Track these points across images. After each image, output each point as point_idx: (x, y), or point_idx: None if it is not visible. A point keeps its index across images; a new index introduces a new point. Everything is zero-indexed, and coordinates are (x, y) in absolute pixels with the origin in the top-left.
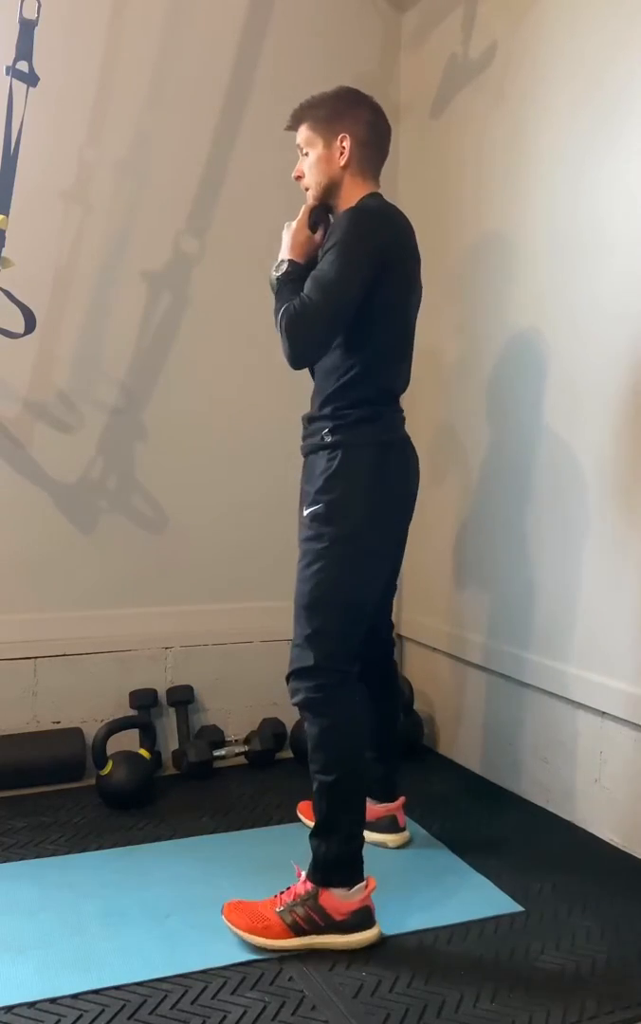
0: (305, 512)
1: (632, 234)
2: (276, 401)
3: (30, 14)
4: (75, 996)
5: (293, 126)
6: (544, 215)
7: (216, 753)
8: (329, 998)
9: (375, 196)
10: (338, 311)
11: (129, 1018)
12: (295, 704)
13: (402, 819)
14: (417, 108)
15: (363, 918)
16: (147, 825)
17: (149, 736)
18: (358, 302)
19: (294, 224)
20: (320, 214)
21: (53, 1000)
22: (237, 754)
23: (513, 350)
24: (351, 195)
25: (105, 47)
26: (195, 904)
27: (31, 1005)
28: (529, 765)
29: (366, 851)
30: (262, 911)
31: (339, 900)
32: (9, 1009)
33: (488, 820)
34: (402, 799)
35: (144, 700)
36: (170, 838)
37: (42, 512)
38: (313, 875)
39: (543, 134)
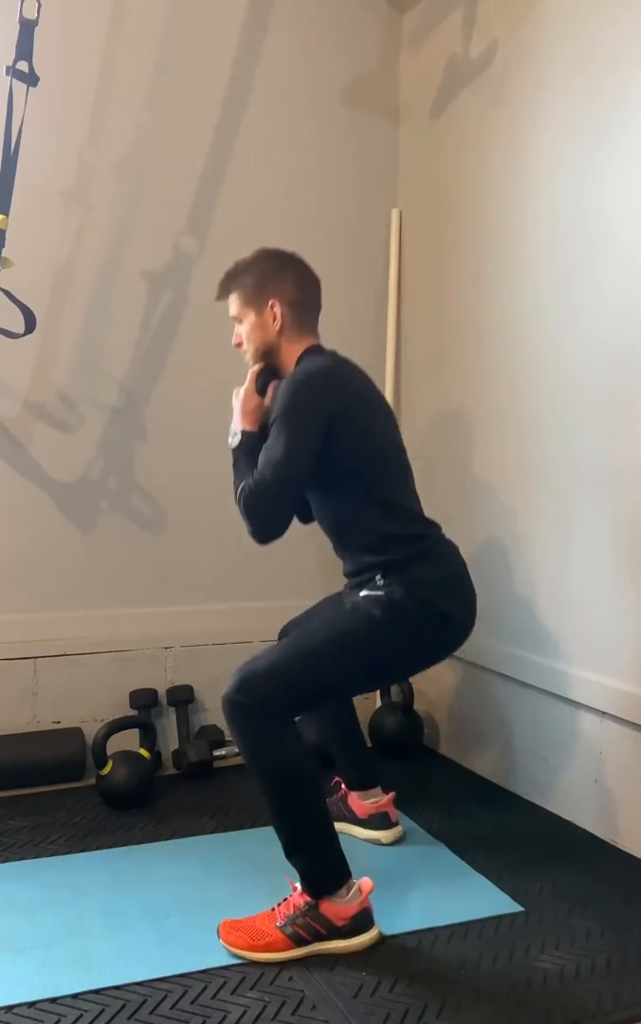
0: (360, 594)
1: (633, 234)
2: None
3: (30, 14)
4: (75, 996)
5: (222, 296)
6: (544, 215)
7: (216, 753)
8: (329, 998)
9: (312, 353)
10: (290, 487)
11: (129, 1018)
12: (224, 701)
13: (394, 814)
14: (417, 108)
15: (363, 921)
16: (147, 825)
17: (149, 736)
18: (311, 470)
19: (242, 392)
20: (266, 377)
21: (53, 1000)
22: (237, 754)
23: (513, 349)
24: (290, 354)
25: (105, 47)
26: (195, 904)
27: (31, 1005)
28: (529, 765)
29: (365, 850)
30: (261, 927)
31: (340, 906)
32: (9, 1009)
33: (488, 820)
34: (391, 795)
35: (144, 700)
36: (170, 838)
37: (42, 512)
38: (306, 890)
39: (543, 134)
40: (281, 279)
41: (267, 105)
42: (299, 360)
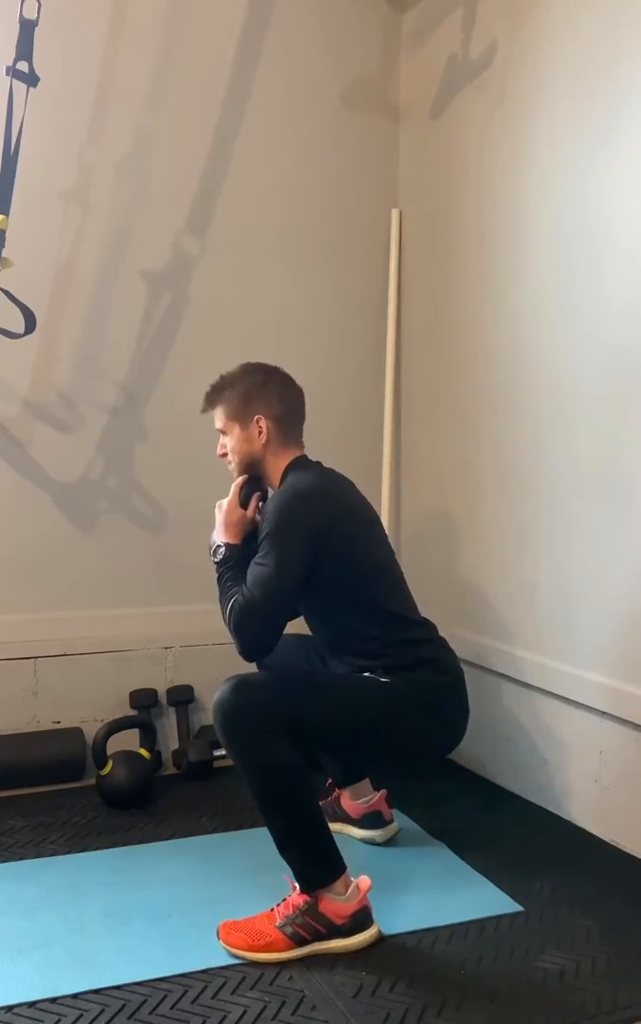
0: (364, 674)
1: (634, 234)
2: None
3: (30, 14)
4: (75, 996)
5: (207, 410)
6: (545, 215)
7: (216, 753)
8: (329, 998)
9: (298, 465)
10: (281, 605)
11: (129, 1018)
12: (217, 704)
13: (387, 812)
14: (417, 108)
15: (362, 919)
16: (147, 825)
17: (149, 736)
18: (299, 588)
19: (226, 504)
20: (250, 489)
21: (53, 1000)
22: None
23: (514, 349)
24: (276, 467)
25: (105, 47)
26: (195, 904)
27: (31, 1005)
28: (529, 765)
29: (365, 850)
30: (260, 927)
31: (339, 905)
32: (9, 1009)
33: (488, 820)
34: (382, 793)
35: (144, 700)
36: (170, 838)
37: (42, 512)
38: (300, 884)
39: (543, 134)
40: (266, 394)
41: (267, 105)
42: (285, 473)
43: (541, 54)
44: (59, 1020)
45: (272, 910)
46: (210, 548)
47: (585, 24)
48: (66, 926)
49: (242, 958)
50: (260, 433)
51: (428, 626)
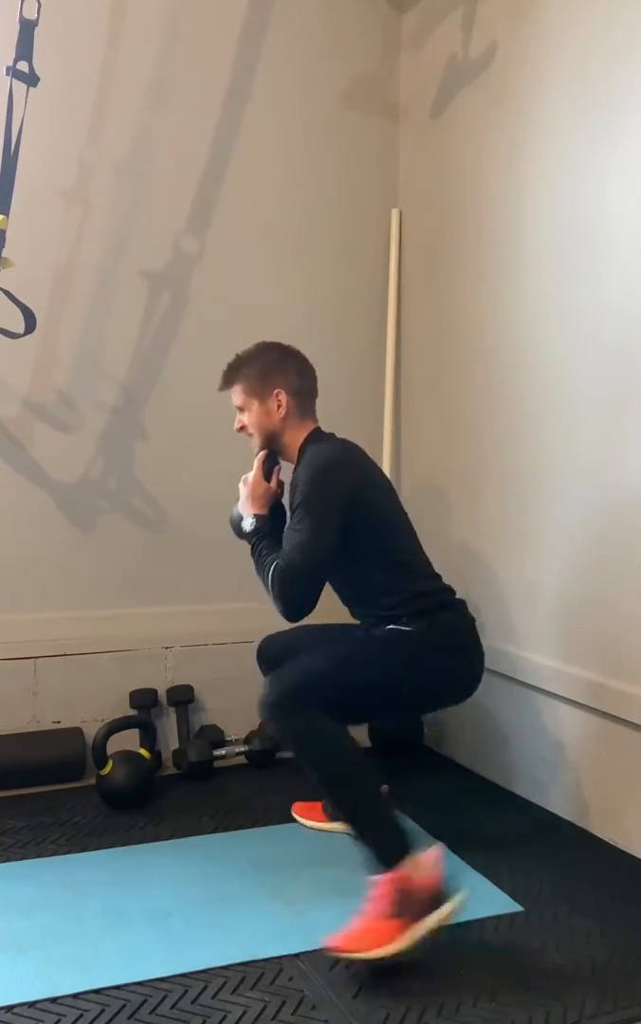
0: (387, 626)
1: (633, 233)
2: None
3: (30, 14)
4: (75, 996)
5: (226, 387)
6: (544, 214)
7: (216, 753)
8: (329, 998)
9: (317, 436)
10: (320, 566)
11: (129, 1018)
12: (264, 705)
13: None
14: (417, 108)
15: (444, 889)
16: (147, 825)
17: (149, 736)
18: (335, 550)
19: (250, 477)
20: (271, 463)
21: (53, 1000)
22: (237, 754)
23: (514, 349)
24: (294, 439)
25: (105, 47)
26: (195, 904)
27: (31, 1005)
28: (528, 765)
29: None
30: (373, 926)
31: (423, 879)
32: (9, 1009)
33: (488, 820)
34: (385, 788)
35: (144, 700)
36: (170, 838)
37: (42, 512)
38: (384, 864)
39: (543, 134)
40: (285, 369)
41: (267, 105)
42: (304, 445)
43: (541, 54)
44: (59, 1020)
45: (367, 911)
46: (236, 522)
47: (585, 24)
48: (66, 926)
49: (377, 958)
50: (279, 407)
51: (441, 579)
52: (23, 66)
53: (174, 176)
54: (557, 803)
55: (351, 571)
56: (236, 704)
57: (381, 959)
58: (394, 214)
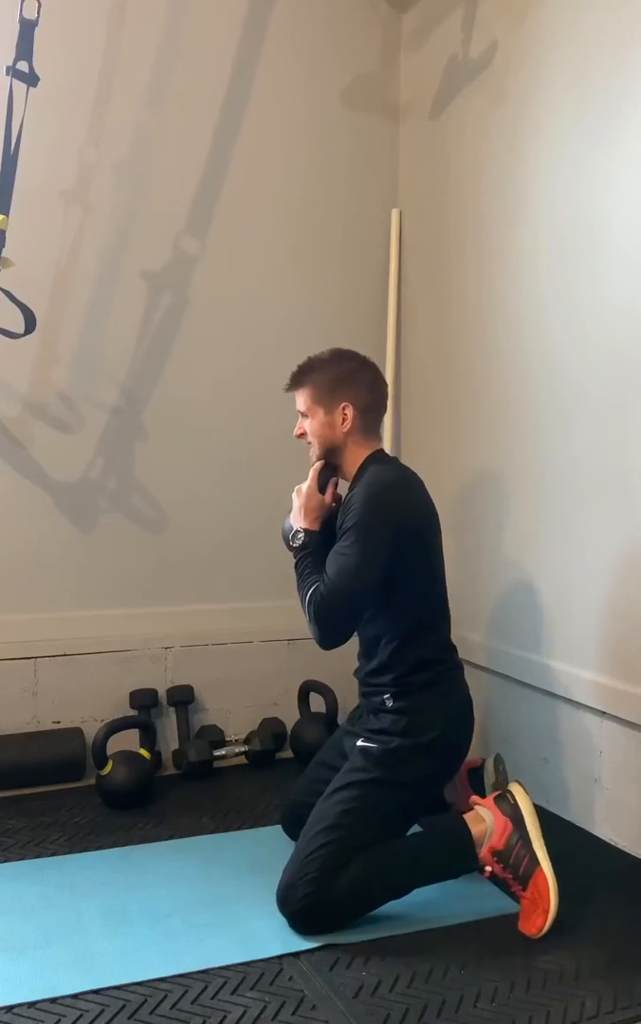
0: (357, 744)
1: (633, 233)
2: (276, 400)
3: (30, 14)
4: (75, 996)
5: (293, 388)
6: (544, 214)
7: (216, 753)
8: (329, 998)
9: (379, 458)
10: (362, 595)
11: (129, 1018)
12: (294, 914)
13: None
14: (417, 108)
15: (512, 801)
16: (147, 825)
17: (149, 736)
18: (380, 581)
19: (306, 488)
20: (328, 474)
21: (53, 1000)
22: (237, 754)
23: (514, 349)
24: (355, 456)
25: (105, 47)
26: (195, 904)
27: (31, 1005)
28: (529, 765)
29: None
30: (535, 897)
31: (494, 834)
32: (9, 1009)
33: None
34: None
35: (144, 700)
36: (170, 838)
37: (42, 512)
38: (471, 866)
39: (543, 134)
40: (357, 382)
41: (267, 105)
42: (365, 465)
43: (541, 54)
44: (59, 1020)
45: (517, 894)
46: (286, 533)
47: (585, 24)
48: (66, 926)
49: (556, 907)
50: (344, 421)
51: (453, 648)
52: (23, 66)
53: (174, 176)
54: (557, 803)
55: (380, 614)
56: (236, 704)
57: (559, 902)
58: (394, 214)
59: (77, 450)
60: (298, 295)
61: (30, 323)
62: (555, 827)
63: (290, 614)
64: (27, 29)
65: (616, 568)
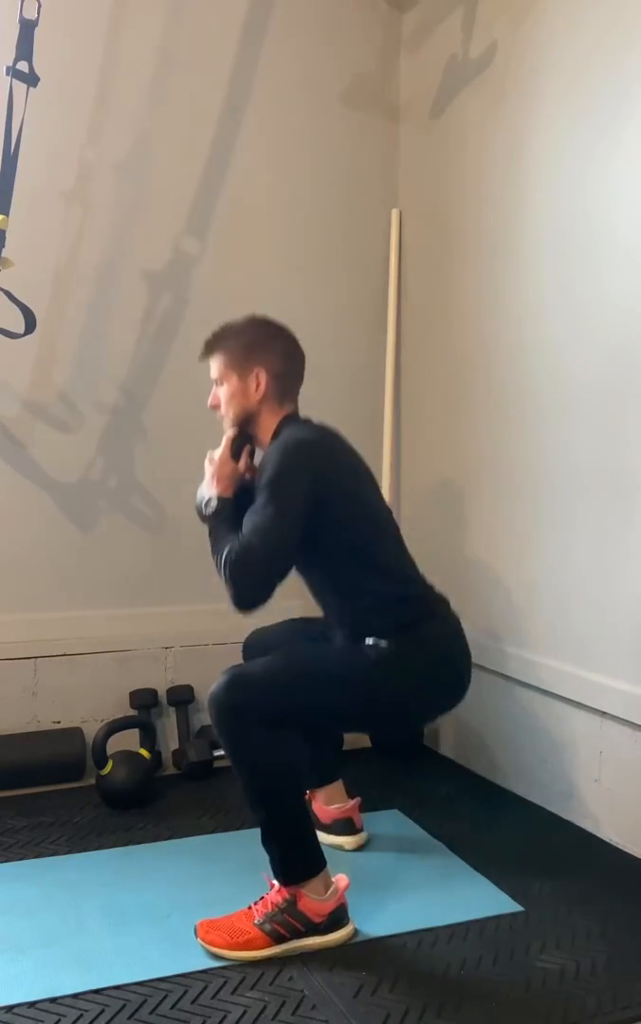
0: (367, 642)
1: (634, 233)
2: None
3: (30, 14)
4: (75, 996)
5: (206, 356)
6: (544, 214)
7: (216, 753)
8: (329, 998)
9: (293, 421)
10: (279, 553)
11: (129, 1018)
12: (211, 698)
13: (358, 820)
14: (417, 108)
15: (339, 916)
16: (147, 825)
17: (149, 736)
18: (298, 538)
19: (218, 456)
20: (241, 442)
21: (53, 1000)
22: None
23: (514, 349)
24: (268, 423)
25: (105, 47)
26: (195, 904)
27: (31, 1005)
28: (529, 765)
29: (359, 852)
30: (239, 925)
31: (318, 903)
32: (9, 1009)
33: (488, 820)
34: (357, 800)
35: (144, 700)
36: (170, 838)
37: (42, 512)
38: (280, 877)
39: (543, 133)
40: (270, 348)
41: (267, 105)
42: (278, 429)
43: (541, 54)
44: (59, 1020)
45: (250, 908)
46: (200, 503)
47: (585, 24)
48: (66, 926)
49: (221, 956)
50: (257, 387)
51: (429, 585)
52: (23, 66)
53: (174, 176)
54: (557, 803)
55: (323, 568)
56: None
57: (236, 960)
58: (394, 214)
59: (77, 450)
60: (298, 295)
61: (30, 323)
62: (555, 827)
63: (288, 614)
64: (27, 29)
65: (616, 567)
